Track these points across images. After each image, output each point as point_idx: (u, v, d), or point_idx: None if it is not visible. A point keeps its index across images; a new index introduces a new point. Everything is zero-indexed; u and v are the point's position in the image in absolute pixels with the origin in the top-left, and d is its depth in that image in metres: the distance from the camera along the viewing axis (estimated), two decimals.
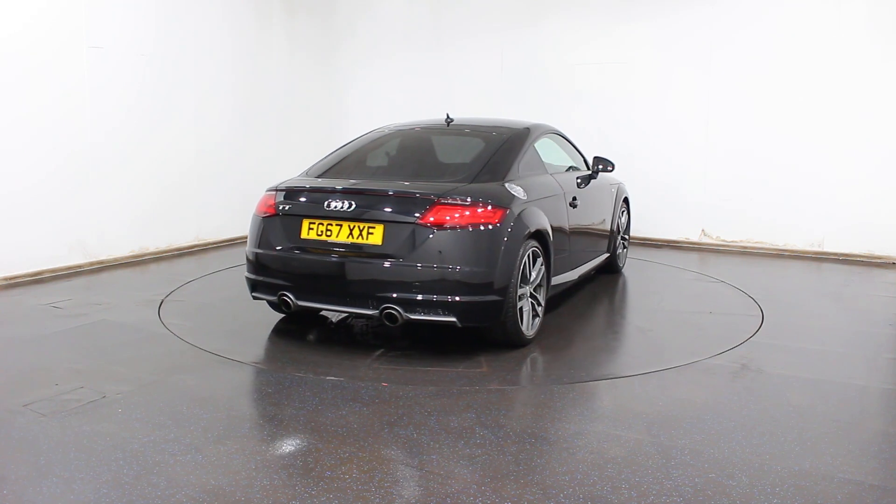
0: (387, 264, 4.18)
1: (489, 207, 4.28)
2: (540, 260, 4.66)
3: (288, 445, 3.17)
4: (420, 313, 4.19)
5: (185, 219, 7.93)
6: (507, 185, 4.59)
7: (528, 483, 2.85)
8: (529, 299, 4.58)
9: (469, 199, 4.27)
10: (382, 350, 4.55)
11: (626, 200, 6.96)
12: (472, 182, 4.54)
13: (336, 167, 5.10)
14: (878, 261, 7.49)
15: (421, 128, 5.63)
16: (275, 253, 4.53)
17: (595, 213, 6.00)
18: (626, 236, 7.11)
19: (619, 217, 6.70)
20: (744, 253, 8.06)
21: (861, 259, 7.58)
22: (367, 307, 4.26)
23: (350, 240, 4.29)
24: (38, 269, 6.43)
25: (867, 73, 7.39)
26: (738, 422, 3.46)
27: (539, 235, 4.65)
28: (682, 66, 8.29)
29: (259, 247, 4.63)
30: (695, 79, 8.23)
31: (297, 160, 8.21)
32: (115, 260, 7.12)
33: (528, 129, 5.43)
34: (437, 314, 4.17)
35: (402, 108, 9.21)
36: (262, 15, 9.01)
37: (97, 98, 6.86)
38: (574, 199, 5.41)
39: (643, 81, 8.49)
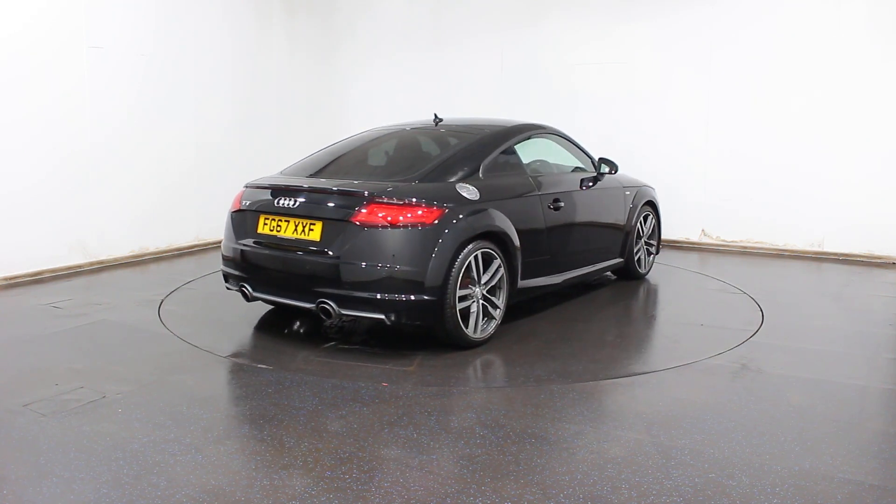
0: (322, 260, 4.31)
1: (424, 207, 4.30)
2: (497, 262, 4.60)
3: (287, 445, 3.17)
4: (352, 309, 4.30)
5: (185, 219, 7.93)
6: (458, 185, 4.59)
7: (528, 483, 2.85)
8: (481, 301, 4.54)
9: (402, 199, 4.31)
10: (334, 343, 4.64)
11: (650, 204, 6.60)
12: (420, 181, 4.57)
13: (306, 166, 5.23)
14: (878, 261, 7.48)
15: (407, 129, 5.64)
16: (238, 246, 4.79)
17: (595, 216, 5.84)
18: (653, 242, 6.73)
19: (639, 221, 6.38)
20: (744, 253, 8.06)
21: (861, 259, 7.57)
22: (307, 301, 4.42)
23: (295, 235, 4.47)
24: (38, 269, 6.43)
25: (867, 73, 7.39)
26: (738, 422, 3.46)
27: (494, 237, 4.60)
28: (683, 66, 8.28)
29: (228, 240, 4.92)
30: (695, 79, 8.23)
31: (296, 160, 8.20)
32: (115, 260, 7.12)
33: (508, 129, 5.35)
34: (367, 311, 4.27)
35: (402, 108, 9.20)
36: (262, 15, 9.01)
37: (97, 98, 6.86)
38: (556, 200, 5.25)
39: (643, 81, 8.49)
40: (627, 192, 6.29)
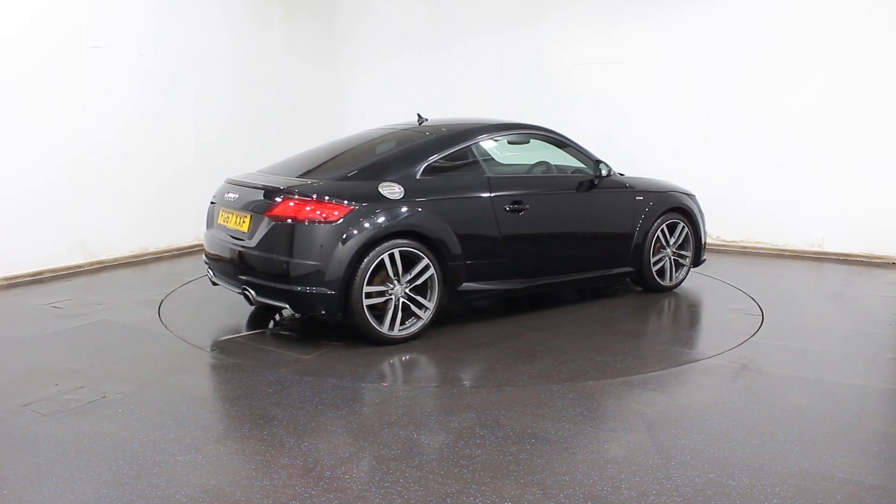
0: (244, 250, 4.66)
1: (330, 204, 4.45)
2: (424, 261, 4.60)
3: (288, 445, 3.17)
4: (264, 297, 4.58)
5: (185, 219, 7.92)
6: (381, 184, 4.65)
7: (528, 483, 2.85)
8: (402, 300, 4.57)
9: (310, 196, 4.48)
10: (264, 330, 5.02)
11: (680, 211, 6.07)
12: (343, 179, 4.75)
13: (278, 165, 5.44)
14: (878, 261, 7.48)
15: (386, 130, 5.67)
16: (207, 235, 5.26)
17: (584, 221, 5.58)
18: (685, 252, 6.15)
19: (659, 229, 5.92)
20: (744, 253, 8.06)
21: (861, 259, 7.57)
22: (237, 287, 4.78)
23: (235, 227, 4.82)
24: (38, 269, 6.43)
25: (867, 73, 7.38)
26: (738, 422, 3.46)
27: (421, 237, 4.62)
28: (683, 66, 8.28)
29: (205, 229, 5.40)
30: (695, 79, 8.23)
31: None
32: (115, 260, 7.12)
33: (468, 130, 5.26)
34: (274, 299, 4.55)
35: (402, 108, 9.16)
36: (263, 16, 9.01)
37: (97, 99, 6.85)
38: (517, 203, 5.07)
39: (643, 81, 8.49)
40: (639, 198, 5.85)
